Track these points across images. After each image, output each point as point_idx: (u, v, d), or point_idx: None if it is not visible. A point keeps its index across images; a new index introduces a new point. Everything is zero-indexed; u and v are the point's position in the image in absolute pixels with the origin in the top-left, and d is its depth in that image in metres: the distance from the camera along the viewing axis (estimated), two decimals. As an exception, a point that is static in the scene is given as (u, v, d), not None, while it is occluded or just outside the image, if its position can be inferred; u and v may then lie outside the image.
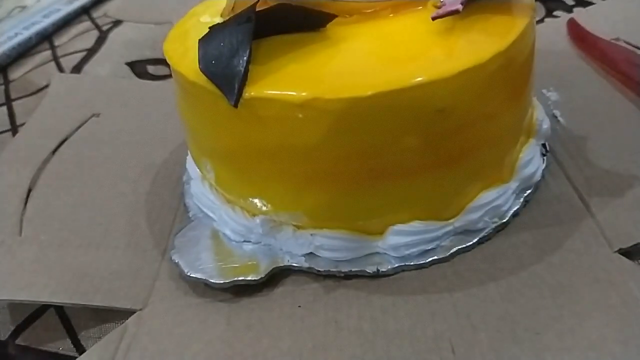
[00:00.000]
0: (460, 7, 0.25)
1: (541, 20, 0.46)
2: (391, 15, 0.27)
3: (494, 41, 0.25)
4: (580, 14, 0.44)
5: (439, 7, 0.27)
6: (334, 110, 0.24)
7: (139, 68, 0.50)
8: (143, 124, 0.41)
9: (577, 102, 0.36)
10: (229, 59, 0.25)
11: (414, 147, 0.25)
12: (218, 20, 0.30)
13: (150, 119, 0.42)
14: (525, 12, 0.28)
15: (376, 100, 0.23)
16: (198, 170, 0.32)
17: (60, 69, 0.52)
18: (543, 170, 0.31)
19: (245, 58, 0.24)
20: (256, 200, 0.28)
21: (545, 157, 0.32)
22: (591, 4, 0.46)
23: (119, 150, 0.39)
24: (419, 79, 0.24)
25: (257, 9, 0.26)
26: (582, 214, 0.29)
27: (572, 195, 0.30)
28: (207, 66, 0.25)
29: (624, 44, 0.39)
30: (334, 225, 0.27)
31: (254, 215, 0.29)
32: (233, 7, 0.28)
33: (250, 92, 0.24)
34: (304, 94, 0.24)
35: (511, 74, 0.27)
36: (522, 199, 0.30)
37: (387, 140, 0.25)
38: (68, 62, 0.53)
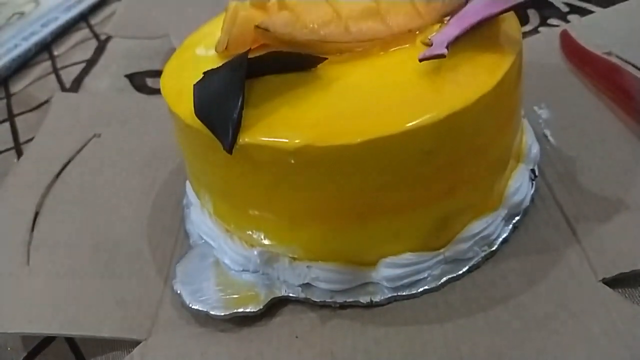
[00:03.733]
0: (445, 51, 0.25)
1: (535, 30, 0.46)
2: (381, 53, 0.28)
3: (480, 81, 0.26)
4: (574, 25, 0.44)
5: (427, 44, 0.27)
6: (324, 157, 0.25)
7: (137, 80, 0.51)
8: (143, 143, 0.42)
9: (567, 120, 0.36)
10: (223, 105, 0.25)
11: (403, 187, 0.26)
12: (213, 54, 0.30)
13: (149, 136, 0.42)
14: (511, 47, 0.28)
15: (365, 146, 0.24)
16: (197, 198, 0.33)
17: (60, 81, 0.53)
18: (532, 194, 0.32)
19: (239, 104, 0.25)
20: (253, 233, 0.29)
21: (534, 182, 0.32)
22: (585, 11, 0.46)
23: (120, 173, 0.40)
24: (407, 124, 0.24)
25: (251, 48, 0.27)
26: (569, 241, 0.30)
27: (560, 220, 0.31)
28: (202, 112, 0.26)
29: (615, 59, 0.39)
30: (329, 258, 0.28)
31: (252, 245, 0.30)
32: (227, 46, 0.29)
33: (244, 138, 0.25)
34: (296, 141, 0.24)
35: (499, 109, 0.28)
36: (510, 225, 0.31)
37: (376, 182, 0.26)
38: (68, 75, 0.54)
